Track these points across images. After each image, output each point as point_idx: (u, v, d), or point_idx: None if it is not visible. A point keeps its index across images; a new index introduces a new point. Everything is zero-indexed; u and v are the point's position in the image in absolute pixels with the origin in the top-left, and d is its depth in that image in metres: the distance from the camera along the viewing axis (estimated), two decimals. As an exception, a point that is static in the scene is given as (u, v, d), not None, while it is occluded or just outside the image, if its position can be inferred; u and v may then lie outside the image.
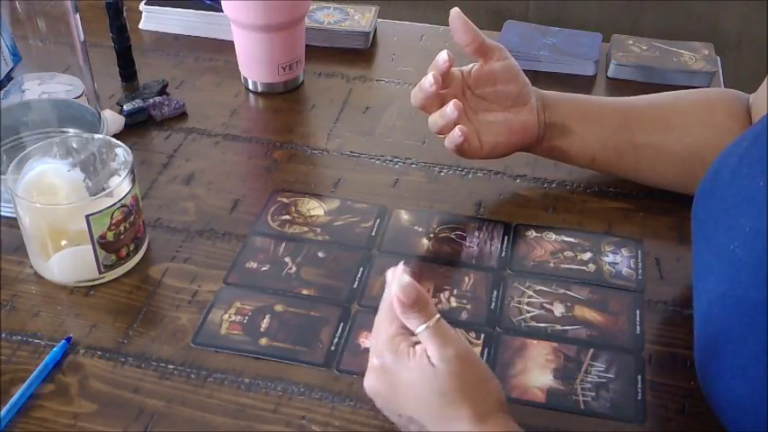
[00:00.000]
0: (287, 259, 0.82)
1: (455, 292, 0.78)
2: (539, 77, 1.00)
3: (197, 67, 1.10)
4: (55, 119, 0.89)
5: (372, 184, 0.91)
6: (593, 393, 0.69)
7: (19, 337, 0.74)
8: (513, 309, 0.77)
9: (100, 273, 0.78)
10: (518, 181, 0.91)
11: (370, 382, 0.64)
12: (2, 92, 0.90)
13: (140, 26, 1.17)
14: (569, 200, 0.89)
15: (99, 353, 0.73)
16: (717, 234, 0.63)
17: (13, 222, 0.81)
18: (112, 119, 0.96)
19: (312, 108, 1.04)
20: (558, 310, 0.77)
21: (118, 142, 0.81)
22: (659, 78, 1.07)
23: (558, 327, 0.75)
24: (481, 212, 0.87)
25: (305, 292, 0.78)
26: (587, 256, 0.82)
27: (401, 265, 0.63)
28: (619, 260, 0.82)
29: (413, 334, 0.61)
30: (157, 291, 0.79)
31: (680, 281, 0.79)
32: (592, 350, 0.73)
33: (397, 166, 0.94)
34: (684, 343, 0.72)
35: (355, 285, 0.79)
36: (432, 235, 0.84)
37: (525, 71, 0.85)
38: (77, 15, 0.87)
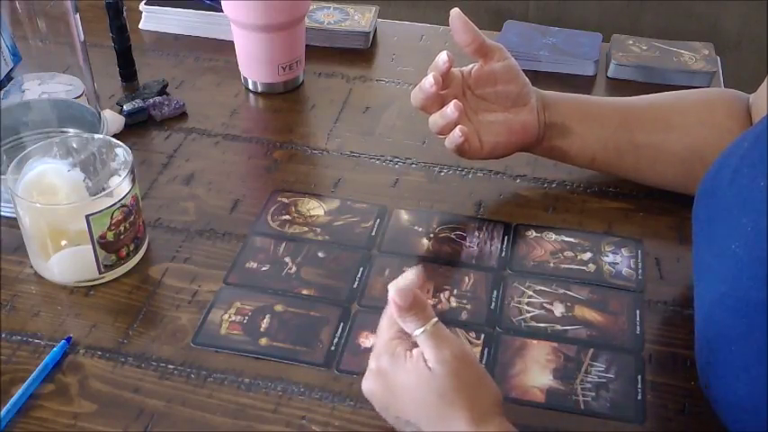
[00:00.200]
0: (287, 259, 0.82)
1: (455, 292, 0.78)
2: (539, 77, 1.00)
3: (197, 67, 1.10)
4: (55, 119, 0.89)
5: (372, 184, 0.91)
6: (593, 393, 0.69)
7: (19, 337, 0.74)
8: (513, 309, 0.77)
9: (100, 273, 0.78)
10: (518, 181, 0.91)
11: (368, 385, 0.64)
12: (2, 92, 0.90)
13: (140, 26, 1.17)
14: (569, 200, 0.89)
15: (99, 353, 0.73)
16: (717, 234, 0.63)
17: (13, 222, 0.81)
18: (112, 119, 0.96)
19: (312, 108, 1.04)
20: (558, 310, 0.77)
21: (118, 142, 0.81)
22: (659, 78, 1.07)
23: (558, 327, 0.75)
24: (481, 212, 0.87)
25: (305, 292, 0.78)
26: (587, 256, 0.82)
27: (410, 272, 0.62)
28: (619, 260, 0.82)
29: (411, 337, 0.61)
30: (157, 291, 0.79)
31: (680, 281, 0.79)
32: (592, 350, 0.73)
33: (397, 166, 0.94)
34: (684, 343, 0.72)
35: (355, 285, 0.79)
36: (432, 235, 0.84)
37: (525, 71, 0.85)
38: (77, 15, 0.87)
